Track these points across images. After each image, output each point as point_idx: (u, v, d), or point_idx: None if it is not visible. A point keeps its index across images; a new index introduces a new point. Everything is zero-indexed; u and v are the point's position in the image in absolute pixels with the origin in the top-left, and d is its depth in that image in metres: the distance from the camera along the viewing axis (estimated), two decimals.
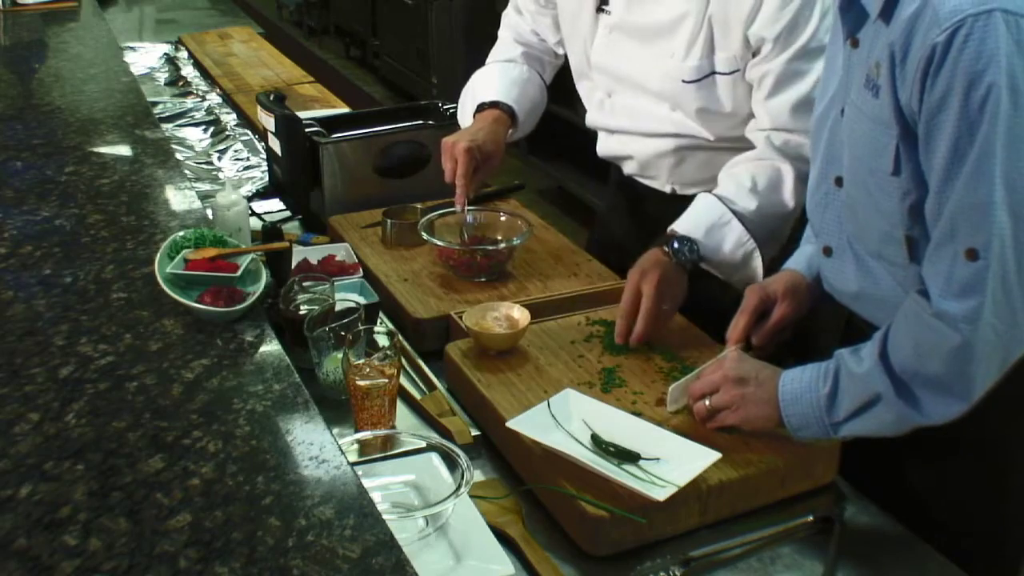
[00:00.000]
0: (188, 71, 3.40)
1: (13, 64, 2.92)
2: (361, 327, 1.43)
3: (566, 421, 1.29)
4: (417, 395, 1.49)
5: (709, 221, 1.61)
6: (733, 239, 1.61)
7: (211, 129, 2.79)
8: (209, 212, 1.80)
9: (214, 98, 3.06)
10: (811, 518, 1.25)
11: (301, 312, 1.50)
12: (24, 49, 3.08)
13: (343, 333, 1.41)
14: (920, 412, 1.17)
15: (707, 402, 1.31)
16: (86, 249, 1.61)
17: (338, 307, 1.51)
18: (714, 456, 1.22)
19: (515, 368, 1.47)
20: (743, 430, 1.30)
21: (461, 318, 1.55)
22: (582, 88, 1.90)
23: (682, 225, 1.62)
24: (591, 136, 1.93)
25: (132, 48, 3.65)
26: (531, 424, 1.28)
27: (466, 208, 1.83)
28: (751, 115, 1.68)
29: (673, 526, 1.22)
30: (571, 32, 1.86)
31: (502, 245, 1.78)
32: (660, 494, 1.16)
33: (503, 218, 1.88)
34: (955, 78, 1.05)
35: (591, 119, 1.89)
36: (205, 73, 3.33)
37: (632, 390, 1.42)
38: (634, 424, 1.30)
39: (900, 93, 1.13)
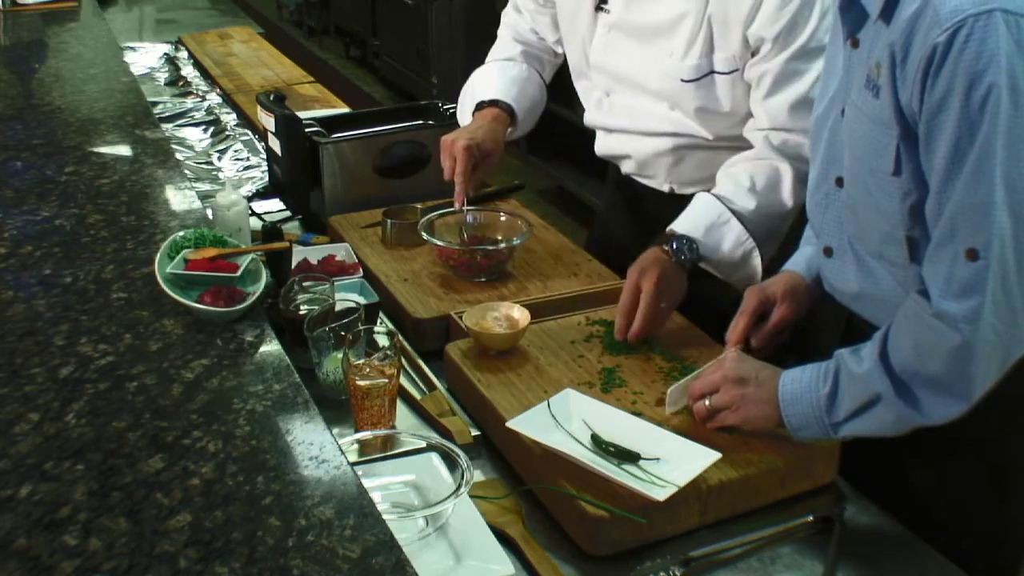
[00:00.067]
0: (188, 71, 3.40)
1: (13, 64, 2.92)
2: (361, 327, 1.43)
3: (566, 421, 1.29)
4: (417, 395, 1.49)
5: (708, 220, 1.61)
6: (732, 238, 1.61)
7: (211, 129, 2.79)
8: (209, 212, 1.80)
9: (214, 98, 3.06)
10: (811, 518, 1.25)
11: (301, 312, 1.50)
12: (24, 49, 3.08)
13: (343, 333, 1.41)
14: (920, 412, 1.17)
15: (707, 402, 1.31)
16: (86, 249, 1.61)
17: (338, 307, 1.51)
18: (714, 456, 1.22)
19: (515, 368, 1.47)
20: (743, 430, 1.30)
21: (461, 318, 1.55)
22: (580, 87, 1.90)
23: (681, 224, 1.62)
24: (591, 136, 1.93)
25: (132, 48, 3.64)
26: (531, 424, 1.28)
27: (465, 207, 1.83)
28: (749, 115, 1.68)
29: (673, 526, 1.22)
30: (570, 31, 1.86)
31: (502, 245, 1.78)
32: (660, 494, 1.16)
33: (503, 218, 1.88)
34: (956, 78, 1.05)
35: (589, 118, 1.89)
36: (205, 73, 3.33)
37: (632, 390, 1.42)
38: (634, 424, 1.30)
39: (901, 93, 1.13)
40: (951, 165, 1.08)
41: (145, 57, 3.59)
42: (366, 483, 1.07)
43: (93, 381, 1.24)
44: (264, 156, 2.45)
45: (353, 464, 1.11)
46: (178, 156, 2.33)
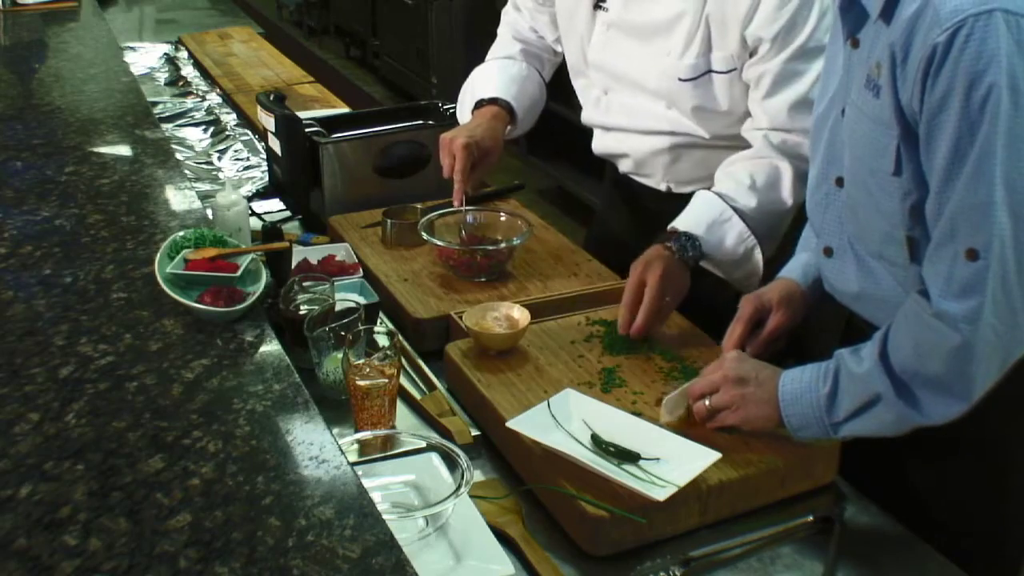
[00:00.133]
0: (188, 71, 3.40)
1: (13, 64, 2.92)
2: (361, 327, 1.43)
3: (566, 421, 1.29)
4: (417, 395, 1.49)
5: (710, 217, 1.61)
6: (734, 235, 1.61)
7: (211, 129, 2.79)
8: (209, 212, 1.80)
9: (214, 98, 3.06)
10: (811, 518, 1.25)
11: (301, 312, 1.50)
12: (24, 49, 3.08)
13: (343, 333, 1.41)
14: (920, 412, 1.17)
15: (707, 402, 1.31)
16: (86, 249, 1.61)
17: (338, 307, 1.51)
18: (714, 456, 1.22)
19: (515, 368, 1.47)
20: (743, 430, 1.30)
21: (461, 318, 1.55)
22: (578, 85, 1.90)
23: (683, 222, 1.62)
24: (591, 135, 1.93)
25: (132, 48, 3.64)
26: (531, 424, 1.28)
27: (464, 204, 1.83)
28: (747, 114, 1.68)
29: (673, 526, 1.22)
30: (568, 29, 1.87)
31: (502, 245, 1.78)
32: (660, 494, 1.16)
33: (503, 218, 1.88)
34: (956, 78, 1.05)
35: (587, 116, 1.89)
36: (205, 73, 3.33)
37: (632, 390, 1.42)
38: (634, 424, 1.30)
39: (901, 93, 1.13)
40: (951, 165, 1.08)
41: (145, 57, 3.59)
42: (366, 483, 1.07)
43: (93, 381, 1.24)
44: (264, 156, 2.45)
45: (353, 464, 1.11)
46: (178, 156, 2.33)
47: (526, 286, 1.75)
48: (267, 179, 2.30)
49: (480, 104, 1.94)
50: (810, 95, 1.57)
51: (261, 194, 2.24)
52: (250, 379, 1.26)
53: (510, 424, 1.28)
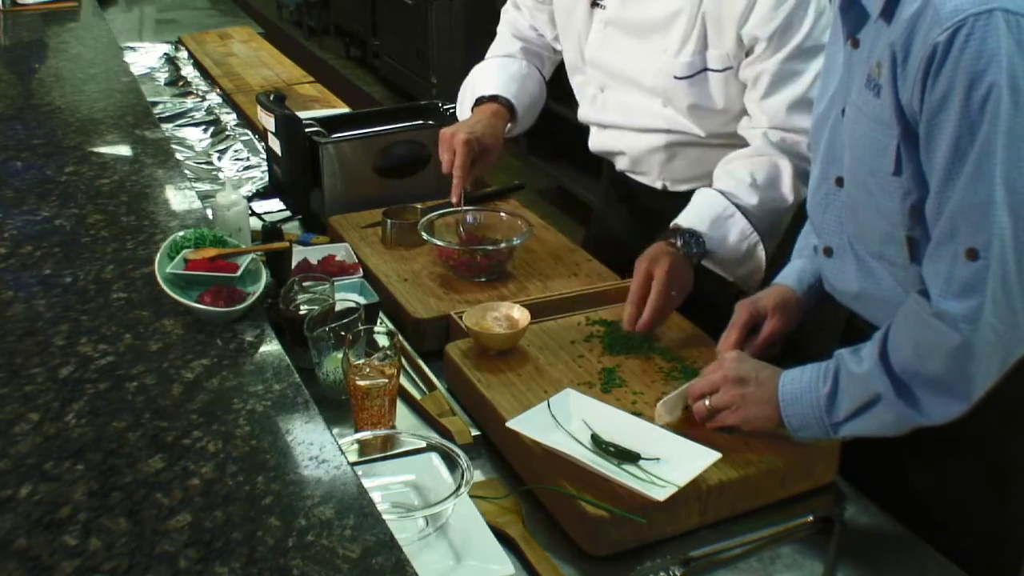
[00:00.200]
0: (188, 71, 3.40)
1: (13, 64, 2.92)
2: (361, 327, 1.43)
3: (566, 421, 1.29)
4: (417, 395, 1.49)
5: (712, 214, 1.61)
6: (737, 231, 1.61)
7: (211, 129, 2.79)
8: (209, 212, 1.80)
9: (214, 98, 3.06)
10: (811, 518, 1.25)
11: (301, 312, 1.50)
12: (24, 49, 3.08)
13: (343, 333, 1.41)
14: (920, 412, 1.17)
15: (707, 402, 1.31)
16: (86, 249, 1.61)
17: (338, 307, 1.51)
18: (714, 456, 1.22)
19: (515, 368, 1.47)
20: (743, 430, 1.30)
21: (461, 318, 1.55)
22: (575, 83, 1.90)
23: (685, 219, 1.62)
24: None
25: (132, 48, 3.64)
26: (531, 424, 1.28)
27: (462, 202, 1.83)
28: (743, 112, 1.69)
29: (673, 526, 1.22)
30: (566, 27, 1.87)
31: (502, 245, 1.78)
32: (660, 494, 1.16)
33: (503, 218, 1.88)
34: (956, 78, 1.05)
35: (583, 114, 1.89)
36: (205, 73, 3.33)
37: (632, 390, 1.42)
38: (634, 424, 1.30)
39: (901, 93, 1.13)
40: (951, 165, 1.08)
41: (145, 57, 3.59)
42: (366, 483, 1.07)
43: (93, 381, 1.24)
44: (264, 156, 2.45)
45: (353, 464, 1.11)
46: (178, 156, 2.33)
47: (526, 286, 1.75)
48: (267, 179, 2.30)
49: (480, 101, 1.94)
50: (808, 95, 1.57)
51: (261, 194, 2.24)
52: (250, 379, 1.26)
53: (510, 424, 1.28)
